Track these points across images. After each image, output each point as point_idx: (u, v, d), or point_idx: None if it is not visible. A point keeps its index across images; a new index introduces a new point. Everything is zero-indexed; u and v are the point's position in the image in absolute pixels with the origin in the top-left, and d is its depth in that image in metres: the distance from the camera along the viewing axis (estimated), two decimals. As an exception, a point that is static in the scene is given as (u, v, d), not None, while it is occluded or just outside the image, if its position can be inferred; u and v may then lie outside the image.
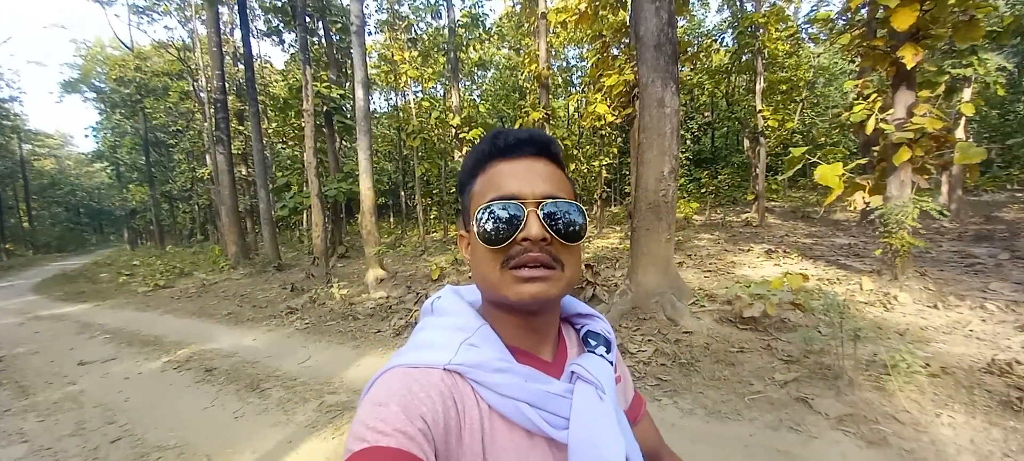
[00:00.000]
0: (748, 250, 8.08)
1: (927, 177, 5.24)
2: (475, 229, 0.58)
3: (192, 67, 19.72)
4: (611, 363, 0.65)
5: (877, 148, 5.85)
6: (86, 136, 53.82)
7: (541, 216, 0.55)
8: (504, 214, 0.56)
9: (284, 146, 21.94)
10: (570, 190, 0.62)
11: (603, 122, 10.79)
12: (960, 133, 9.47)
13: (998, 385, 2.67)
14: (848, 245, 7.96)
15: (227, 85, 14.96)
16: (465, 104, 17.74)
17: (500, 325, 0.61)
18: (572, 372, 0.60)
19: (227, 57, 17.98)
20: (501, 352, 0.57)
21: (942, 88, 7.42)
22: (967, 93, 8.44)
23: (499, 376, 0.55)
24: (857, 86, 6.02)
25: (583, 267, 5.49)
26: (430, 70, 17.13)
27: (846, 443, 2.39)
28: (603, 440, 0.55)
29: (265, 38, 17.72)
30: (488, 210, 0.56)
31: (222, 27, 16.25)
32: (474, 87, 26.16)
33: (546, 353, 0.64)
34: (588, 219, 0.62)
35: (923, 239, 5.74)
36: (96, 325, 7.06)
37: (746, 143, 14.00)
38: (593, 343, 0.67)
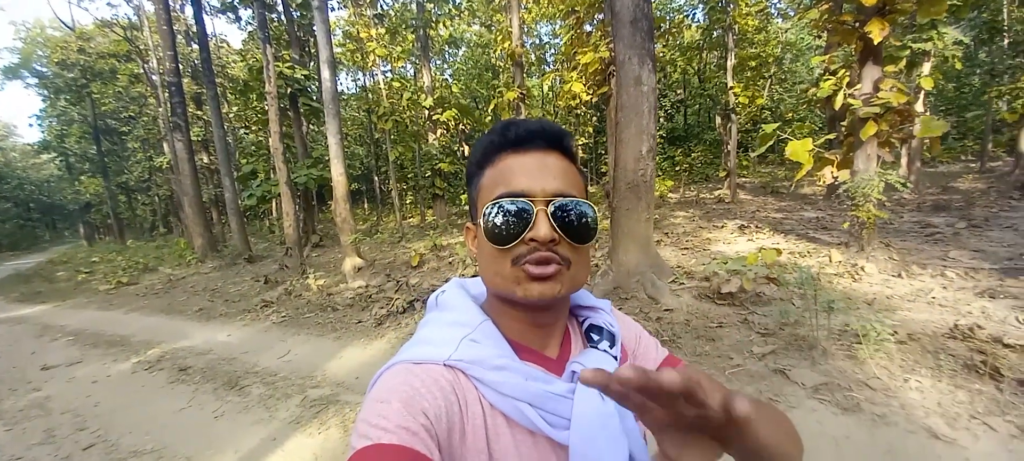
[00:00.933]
0: (722, 226, 8.28)
1: (890, 150, 5.44)
2: (482, 225, 0.56)
3: (141, 47, 18.51)
4: (615, 358, 0.63)
5: (844, 123, 6.02)
6: (30, 125, 50.32)
7: (550, 215, 0.54)
8: (512, 212, 0.54)
9: (247, 131, 21.01)
10: (581, 186, 0.60)
11: (579, 101, 10.73)
12: (919, 107, 9.86)
13: (961, 349, 2.83)
14: (816, 219, 8.26)
15: (181, 66, 14.16)
16: (437, 84, 17.30)
17: (505, 321, 0.60)
18: (573, 371, 0.59)
19: (179, 36, 16.94)
20: (501, 349, 0.56)
21: (904, 63, 7.67)
22: (926, 67, 8.77)
23: (498, 374, 0.54)
24: (824, 61, 6.15)
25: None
26: (399, 48, 16.53)
27: (822, 411, 2.50)
28: (604, 443, 0.54)
29: (219, 15, 16.77)
30: (496, 206, 0.55)
31: (171, 3, 15.25)
32: (446, 66, 25.57)
33: (551, 350, 0.62)
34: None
35: (886, 211, 5.99)
36: (57, 327, 6.71)
37: (718, 120, 14.24)
38: (596, 338, 0.65)
